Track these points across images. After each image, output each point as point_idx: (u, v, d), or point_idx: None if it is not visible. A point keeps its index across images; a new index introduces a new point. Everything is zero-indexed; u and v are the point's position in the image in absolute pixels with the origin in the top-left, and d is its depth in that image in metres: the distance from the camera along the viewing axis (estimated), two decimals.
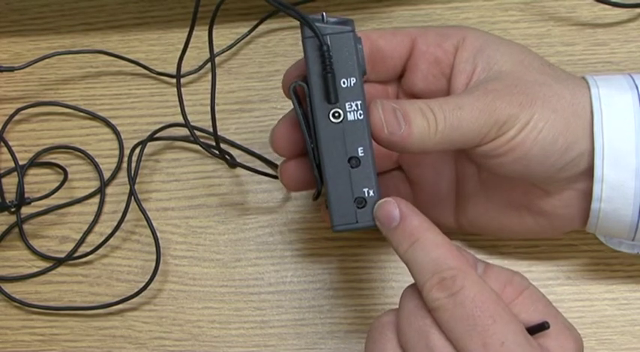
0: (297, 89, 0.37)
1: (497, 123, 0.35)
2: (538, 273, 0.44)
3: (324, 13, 0.36)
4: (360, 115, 0.35)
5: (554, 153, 0.36)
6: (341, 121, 0.35)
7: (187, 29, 0.40)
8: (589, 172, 0.37)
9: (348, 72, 0.35)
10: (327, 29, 0.35)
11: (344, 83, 0.35)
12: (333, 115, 0.35)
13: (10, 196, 0.48)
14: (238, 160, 0.48)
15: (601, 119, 0.36)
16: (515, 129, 0.35)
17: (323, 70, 0.34)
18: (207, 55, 0.52)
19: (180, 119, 0.50)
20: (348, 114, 0.35)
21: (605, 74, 0.38)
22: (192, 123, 0.49)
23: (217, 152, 0.45)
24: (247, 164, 0.48)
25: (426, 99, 0.40)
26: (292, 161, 0.39)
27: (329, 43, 0.35)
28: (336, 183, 0.36)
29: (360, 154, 0.35)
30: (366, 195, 0.35)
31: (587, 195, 0.37)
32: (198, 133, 0.49)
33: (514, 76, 0.37)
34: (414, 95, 0.41)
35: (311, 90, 0.35)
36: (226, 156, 0.47)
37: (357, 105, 0.35)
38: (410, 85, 0.40)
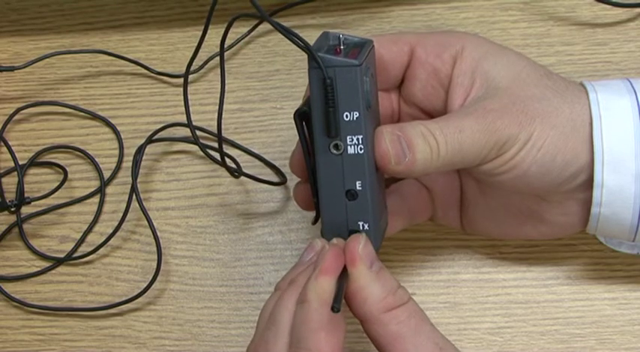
0: (306, 113, 0.36)
1: (498, 144, 0.35)
2: (538, 273, 0.44)
3: (341, 34, 0.35)
4: (361, 150, 0.34)
5: (553, 170, 0.36)
6: (341, 154, 0.35)
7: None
8: (589, 183, 0.37)
9: (351, 106, 0.34)
10: (333, 61, 0.33)
11: (346, 117, 0.34)
12: (334, 147, 0.35)
13: (10, 196, 0.48)
14: (237, 160, 0.48)
15: (600, 124, 0.36)
16: (515, 149, 0.35)
17: (325, 104, 0.34)
18: (207, 55, 0.51)
19: (180, 119, 0.50)
20: (349, 147, 0.34)
21: (604, 77, 0.38)
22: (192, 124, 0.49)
23: (220, 160, 0.45)
24: (246, 164, 0.48)
25: (425, 111, 0.40)
26: (307, 184, 0.39)
27: (334, 75, 0.33)
28: (331, 214, 0.36)
29: (358, 188, 0.35)
30: (361, 228, 0.35)
31: (588, 203, 0.37)
32: (198, 133, 0.49)
33: (512, 93, 0.37)
34: (413, 103, 0.41)
35: (313, 120, 0.35)
36: (230, 166, 0.46)
37: (357, 139, 0.34)
38: (409, 94, 0.40)
